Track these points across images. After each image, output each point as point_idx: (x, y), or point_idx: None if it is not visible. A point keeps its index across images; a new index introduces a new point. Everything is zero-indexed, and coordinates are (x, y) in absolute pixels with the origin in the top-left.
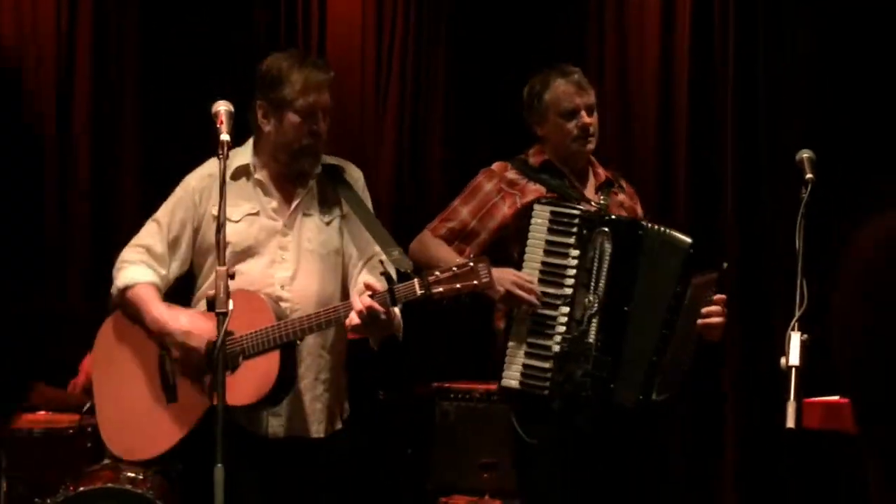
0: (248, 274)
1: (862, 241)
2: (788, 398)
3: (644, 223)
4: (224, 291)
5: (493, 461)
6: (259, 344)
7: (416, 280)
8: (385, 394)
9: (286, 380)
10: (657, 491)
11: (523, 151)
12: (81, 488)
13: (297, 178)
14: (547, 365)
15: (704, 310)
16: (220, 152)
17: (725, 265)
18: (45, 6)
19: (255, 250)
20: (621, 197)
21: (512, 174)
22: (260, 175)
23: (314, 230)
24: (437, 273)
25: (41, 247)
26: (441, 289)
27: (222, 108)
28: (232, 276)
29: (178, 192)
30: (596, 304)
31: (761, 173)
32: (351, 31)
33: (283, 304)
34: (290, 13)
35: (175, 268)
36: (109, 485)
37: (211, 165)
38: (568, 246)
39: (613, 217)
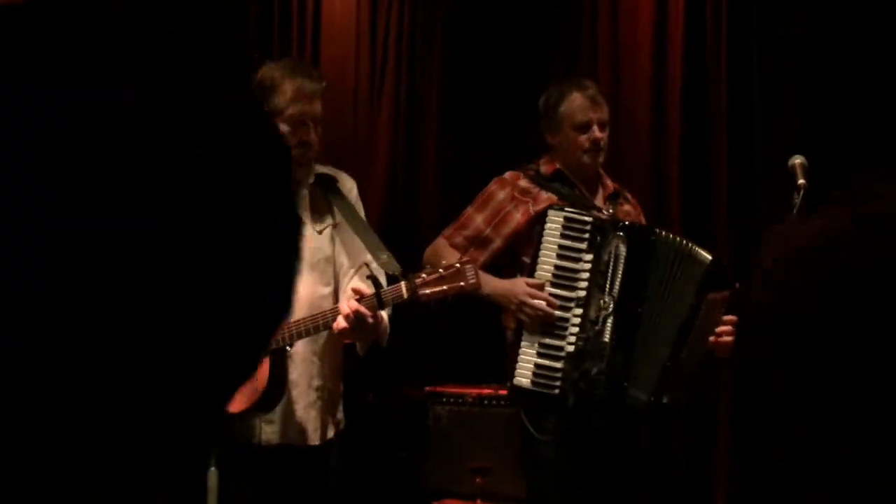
0: None
1: (774, 245)
2: None
3: (657, 230)
4: None
5: (485, 465)
6: None
7: (402, 283)
8: (374, 396)
9: (277, 386)
10: (656, 490)
11: (532, 160)
12: None
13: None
14: (559, 365)
15: (719, 329)
16: None
17: (738, 285)
18: None
19: None
20: (627, 207)
21: (524, 183)
22: None
23: (305, 238)
24: (424, 275)
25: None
26: (428, 291)
27: None
28: None
29: None
30: (611, 305)
31: (754, 178)
32: (345, 35)
33: None
34: (284, 19)
35: None
36: None
37: None
38: (580, 251)
39: (627, 222)
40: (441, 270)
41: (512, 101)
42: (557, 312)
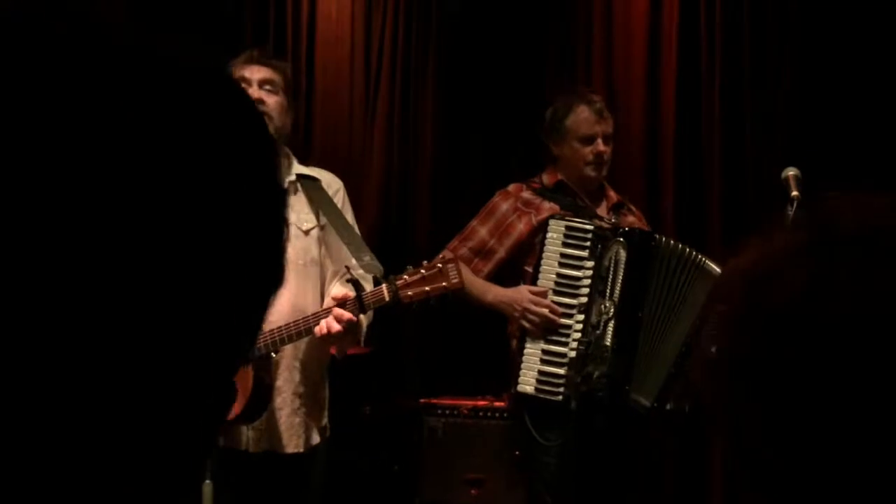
0: None
1: (734, 264)
2: None
3: (657, 236)
4: None
5: (480, 477)
6: None
7: (384, 285)
8: (370, 408)
9: (261, 395)
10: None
11: (530, 172)
12: None
13: None
14: (562, 371)
15: None
16: None
17: None
18: None
19: None
20: (631, 218)
21: (527, 194)
22: None
23: (291, 239)
24: (406, 277)
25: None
26: (410, 292)
27: None
28: None
29: None
30: (612, 310)
31: (747, 190)
32: (340, 47)
33: None
34: (279, 30)
35: None
36: None
37: None
38: (582, 259)
39: (627, 229)
40: (423, 271)
41: (506, 112)
42: (560, 320)
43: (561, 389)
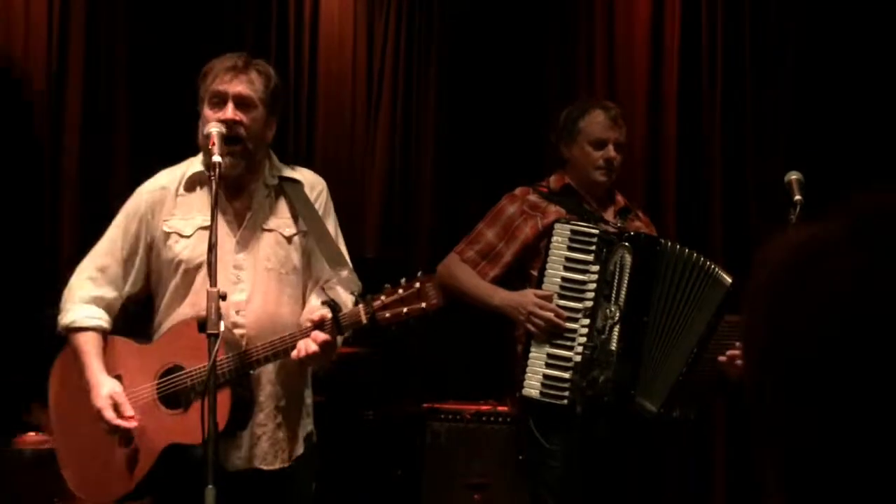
0: (200, 297)
1: (771, 250)
2: None
3: (663, 240)
4: (215, 312)
5: (483, 482)
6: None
7: (361, 307)
8: (373, 413)
9: (241, 412)
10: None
11: (521, 176)
12: None
13: (236, 188)
14: (567, 375)
15: (729, 353)
16: (212, 174)
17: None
18: (38, 7)
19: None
20: (637, 223)
21: (534, 197)
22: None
23: (273, 246)
24: (383, 297)
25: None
26: (388, 314)
27: (214, 129)
28: (223, 297)
29: (130, 206)
30: (617, 314)
31: (749, 195)
32: (342, 52)
33: (236, 331)
34: (282, 35)
35: (129, 286)
36: None
37: (164, 177)
38: (587, 263)
39: (633, 233)
40: (401, 290)
41: (507, 114)
42: (565, 324)
43: (566, 393)
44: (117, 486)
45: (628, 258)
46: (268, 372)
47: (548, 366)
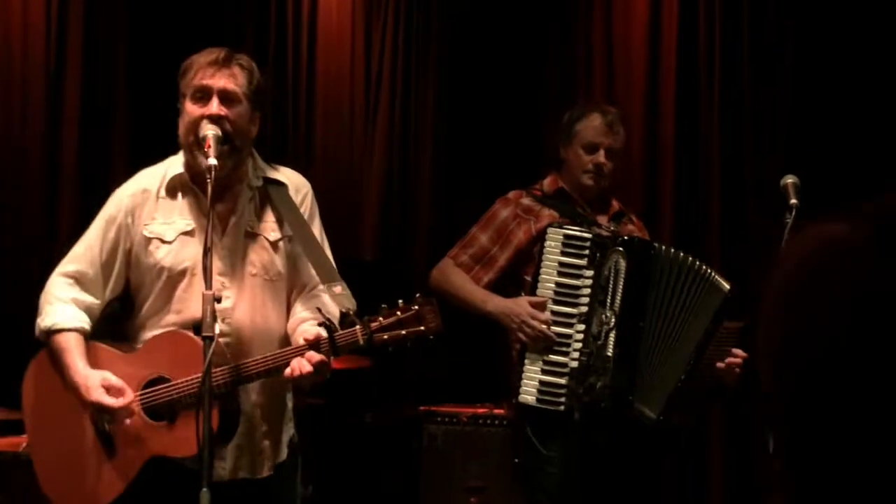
0: (186, 304)
1: (791, 249)
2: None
3: (657, 244)
4: (211, 315)
5: (480, 485)
6: (196, 394)
7: (358, 328)
8: (370, 416)
9: (228, 425)
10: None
11: (520, 177)
12: None
13: (220, 189)
14: (563, 381)
15: (728, 360)
16: (208, 176)
17: (749, 318)
18: (36, 4)
19: (192, 271)
20: (630, 227)
21: (527, 201)
22: (195, 186)
23: (258, 251)
24: (381, 319)
25: None
26: (385, 336)
27: (210, 132)
28: (218, 300)
29: (110, 210)
30: (613, 320)
31: (747, 199)
32: (340, 53)
33: (221, 339)
34: (280, 36)
35: (109, 292)
36: None
37: (145, 178)
38: (581, 267)
39: (626, 237)
40: (399, 313)
41: (506, 116)
42: (560, 329)
43: (563, 400)
44: (99, 497)
45: (623, 263)
46: (255, 384)
47: (544, 372)
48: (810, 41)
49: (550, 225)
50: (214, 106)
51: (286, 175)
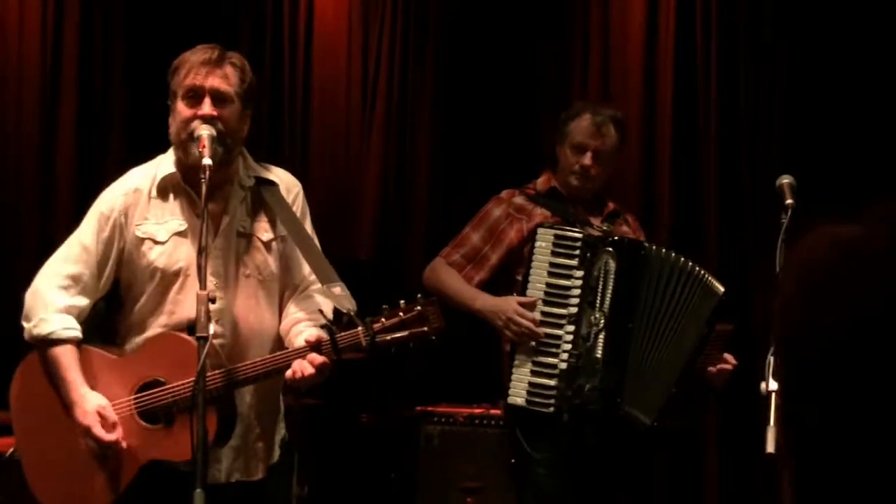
0: (179, 305)
1: (804, 252)
2: (768, 423)
3: (647, 244)
4: (205, 316)
5: (477, 485)
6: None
7: (360, 329)
8: (367, 416)
9: (225, 427)
10: None
11: (517, 177)
12: None
13: (211, 188)
14: (552, 382)
15: (719, 366)
16: (202, 176)
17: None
18: (33, 6)
19: (186, 272)
20: (624, 228)
21: (520, 200)
22: (187, 185)
23: (251, 252)
24: (384, 320)
25: None
26: (388, 337)
27: (205, 132)
28: (213, 301)
29: (103, 208)
30: (602, 321)
31: (744, 199)
32: (336, 54)
33: (215, 341)
34: (276, 38)
35: (99, 292)
36: None
37: (136, 178)
38: (571, 268)
39: (616, 238)
40: (401, 314)
41: (503, 116)
42: (550, 330)
43: (552, 401)
44: (94, 502)
45: (612, 263)
46: (249, 387)
47: (533, 373)
48: (807, 42)
49: (540, 225)
50: (207, 107)
51: (277, 175)
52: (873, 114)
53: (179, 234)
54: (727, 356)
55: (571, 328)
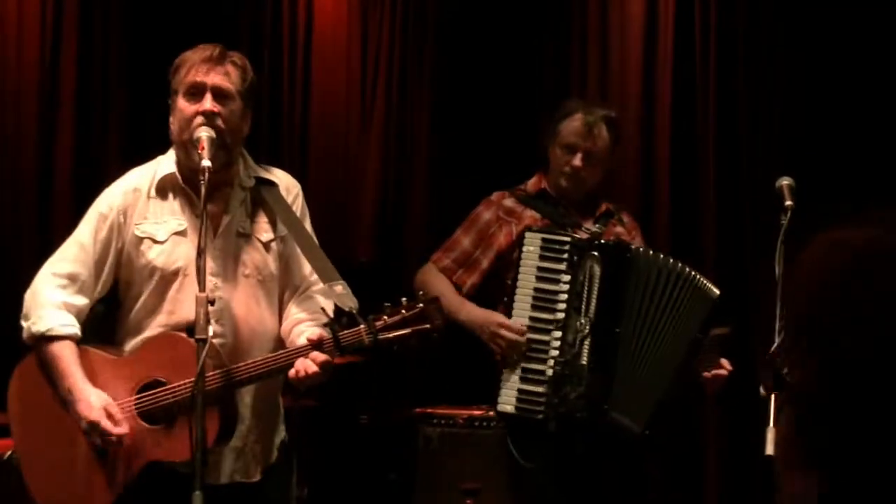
0: (178, 305)
1: (823, 254)
2: (768, 425)
3: (633, 247)
4: (204, 317)
5: (476, 486)
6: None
7: (362, 327)
8: (366, 417)
9: (227, 427)
10: None
11: (516, 179)
12: None
13: (210, 188)
14: (541, 389)
15: (713, 372)
16: (201, 178)
17: (734, 324)
18: (31, 5)
19: (184, 272)
20: (619, 229)
21: (509, 202)
22: (186, 186)
23: (250, 252)
24: (385, 318)
25: None
26: (390, 335)
27: (204, 133)
28: (212, 302)
29: (101, 208)
30: (587, 327)
31: (742, 200)
32: (335, 58)
33: (215, 340)
34: (275, 43)
35: (98, 292)
36: None
37: (135, 178)
38: (559, 272)
39: (601, 241)
40: (403, 311)
41: (502, 117)
42: (537, 336)
43: (541, 408)
44: (95, 502)
45: (597, 269)
46: (249, 387)
47: (522, 380)
48: (806, 43)
49: (528, 229)
50: (208, 102)
51: (277, 175)
52: (873, 115)
53: (178, 233)
54: (723, 361)
55: (559, 334)
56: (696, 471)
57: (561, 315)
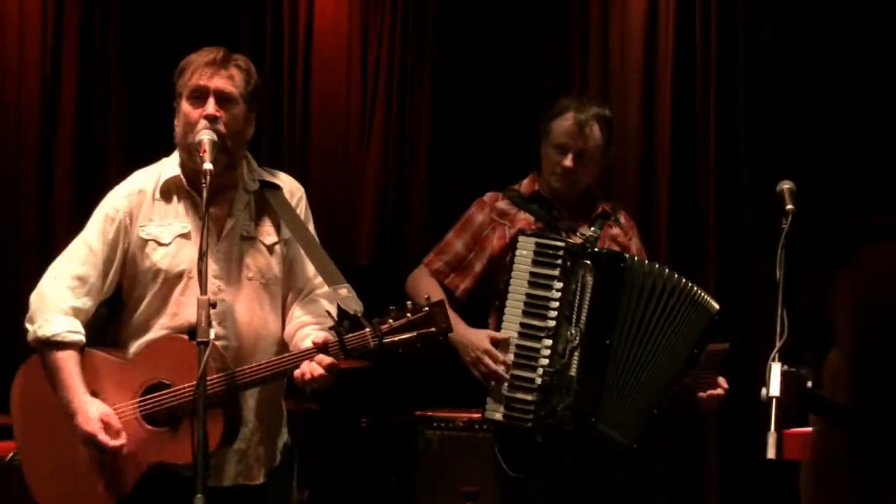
0: (182, 308)
1: (872, 265)
2: (769, 429)
3: (628, 256)
4: (206, 320)
5: (476, 490)
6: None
7: (368, 330)
8: (367, 421)
9: (231, 430)
10: None
11: (516, 180)
12: None
13: (214, 191)
14: (530, 397)
15: (709, 392)
16: (203, 181)
17: (736, 338)
18: (32, 6)
19: (189, 274)
20: (615, 231)
21: (503, 204)
22: (190, 188)
23: (254, 255)
24: (391, 321)
25: None
26: (396, 338)
27: (206, 137)
28: (214, 305)
29: (108, 209)
30: (577, 338)
31: (742, 204)
32: (336, 66)
33: (218, 343)
34: (276, 50)
35: (104, 294)
36: None
37: (140, 180)
38: (552, 278)
39: (596, 249)
40: (409, 314)
41: (502, 119)
42: (528, 343)
43: (530, 416)
44: None
45: (590, 278)
46: (252, 389)
47: (511, 387)
48: (807, 43)
49: (522, 232)
50: (211, 106)
51: (280, 178)
52: (873, 115)
53: (182, 235)
54: (720, 380)
55: (549, 342)
56: (697, 476)
57: (552, 323)
